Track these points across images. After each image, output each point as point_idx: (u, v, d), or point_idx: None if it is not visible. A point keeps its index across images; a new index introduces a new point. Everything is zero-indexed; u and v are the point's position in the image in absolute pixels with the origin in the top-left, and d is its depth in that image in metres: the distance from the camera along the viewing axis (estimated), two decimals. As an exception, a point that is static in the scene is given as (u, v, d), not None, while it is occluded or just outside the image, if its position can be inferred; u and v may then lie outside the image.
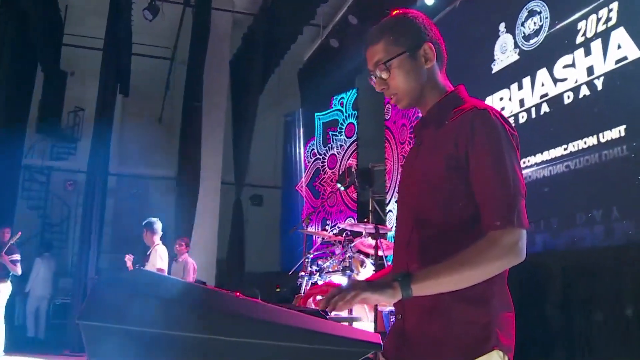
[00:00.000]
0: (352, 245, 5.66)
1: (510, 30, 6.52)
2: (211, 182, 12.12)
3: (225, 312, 1.23)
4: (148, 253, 6.93)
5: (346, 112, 10.56)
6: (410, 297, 1.50)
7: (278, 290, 9.40)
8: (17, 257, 7.78)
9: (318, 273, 5.66)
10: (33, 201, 14.87)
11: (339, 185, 6.97)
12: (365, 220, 8.11)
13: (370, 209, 9.55)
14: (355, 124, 10.34)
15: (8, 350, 8.06)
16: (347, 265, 5.35)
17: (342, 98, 10.68)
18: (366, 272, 5.61)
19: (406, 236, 1.73)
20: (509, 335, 1.60)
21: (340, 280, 5.36)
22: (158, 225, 7.01)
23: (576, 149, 5.26)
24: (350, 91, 10.50)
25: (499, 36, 6.71)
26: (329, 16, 10.69)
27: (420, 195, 1.72)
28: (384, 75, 1.75)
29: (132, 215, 14.87)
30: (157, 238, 6.97)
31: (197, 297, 1.29)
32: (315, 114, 11.39)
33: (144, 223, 7.01)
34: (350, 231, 5.97)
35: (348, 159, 10.32)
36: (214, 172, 12.30)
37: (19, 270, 7.82)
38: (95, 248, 9.92)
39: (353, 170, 9.75)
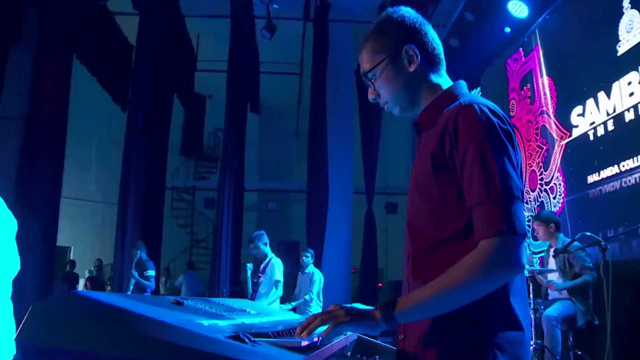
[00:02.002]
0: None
1: (636, 5, 5.86)
2: (342, 192, 12.18)
3: (143, 335, 1.25)
4: (263, 265, 7.01)
5: (471, 112, 10.11)
6: (397, 326, 1.41)
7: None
8: (150, 272, 8.20)
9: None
10: (181, 219, 15.90)
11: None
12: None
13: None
14: (481, 124, 9.85)
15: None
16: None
17: (466, 97, 10.24)
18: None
19: (406, 250, 1.60)
20: (515, 356, 1.38)
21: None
22: (266, 237, 7.08)
23: None
24: (474, 90, 10.05)
25: (623, 14, 6.05)
26: (448, 15, 10.34)
27: (413, 204, 1.58)
28: (372, 86, 1.67)
29: (273, 228, 15.43)
30: (269, 250, 7.04)
31: (119, 320, 1.31)
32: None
33: (252, 236, 7.11)
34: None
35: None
36: (344, 181, 12.36)
37: (152, 284, 8.25)
38: (229, 263, 10.30)
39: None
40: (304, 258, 8.16)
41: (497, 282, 1.34)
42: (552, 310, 5.19)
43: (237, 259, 10.83)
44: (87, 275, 12.49)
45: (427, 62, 1.63)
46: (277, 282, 6.78)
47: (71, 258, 13.47)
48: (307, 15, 11.76)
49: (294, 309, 7.77)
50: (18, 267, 2.61)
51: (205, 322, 1.50)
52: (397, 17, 1.64)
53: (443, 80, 1.66)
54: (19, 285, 8.83)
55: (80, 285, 12.55)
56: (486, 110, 1.43)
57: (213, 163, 16.16)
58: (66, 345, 1.30)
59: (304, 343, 1.36)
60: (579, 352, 5.15)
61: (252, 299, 6.82)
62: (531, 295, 5.06)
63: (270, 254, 7.02)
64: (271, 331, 1.59)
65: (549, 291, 5.71)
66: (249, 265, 7.05)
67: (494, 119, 1.42)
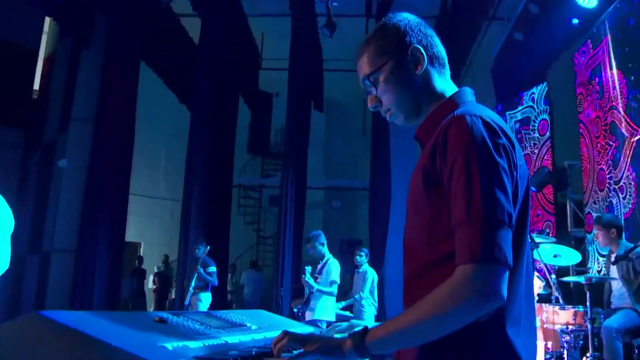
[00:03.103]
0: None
1: None
2: (405, 191, 11.94)
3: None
4: (320, 266, 6.98)
5: (538, 108, 9.72)
6: (368, 356, 1.31)
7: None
8: (212, 268, 8.34)
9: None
10: (248, 217, 16.15)
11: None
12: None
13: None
14: (548, 120, 9.46)
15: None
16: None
17: (533, 93, 9.85)
18: (535, 285, 5.00)
19: (403, 272, 1.51)
20: None
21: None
22: (323, 237, 7.03)
23: None
24: (541, 85, 9.65)
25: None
26: (512, 8, 9.97)
27: (408, 222, 1.49)
28: (373, 91, 1.56)
29: (337, 226, 15.43)
30: (326, 250, 7.00)
31: (75, 343, 1.32)
32: (507, 113, 10.68)
33: (309, 236, 7.08)
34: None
35: (543, 159, 9.47)
36: (407, 180, 12.12)
37: (215, 281, 8.39)
38: (291, 260, 10.35)
39: (547, 170, 9.01)
40: (357, 257, 8.10)
41: (469, 314, 1.22)
42: (613, 321, 4.88)
43: (298, 257, 10.86)
44: (155, 270, 12.90)
45: (432, 66, 1.53)
46: (332, 282, 6.75)
47: (141, 254, 13.94)
48: (370, 12, 11.63)
49: (346, 308, 7.78)
50: (7, 266, 2.65)
51: (172, 345, 1.46)
52: (401, 19, 1.55)
53: (448, 86, 1.55)
54: (87, 280, 9.26)
55: (150, 281, 12.98)
56: (478, 122, 1.31)
57: (279, 160, 16.26)
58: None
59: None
60: (645, 367, 4.84)
61: (308, 299, 6.83)
62: (588, 303, 4.77)
63: (328, 255, 6.98)
64: (242, 355, 1.54)
65: (612, 299, 5.39)
66: (308, 268, 7.05)
67: (486, 132, 1.29)
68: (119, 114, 10.29)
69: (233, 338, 1.77)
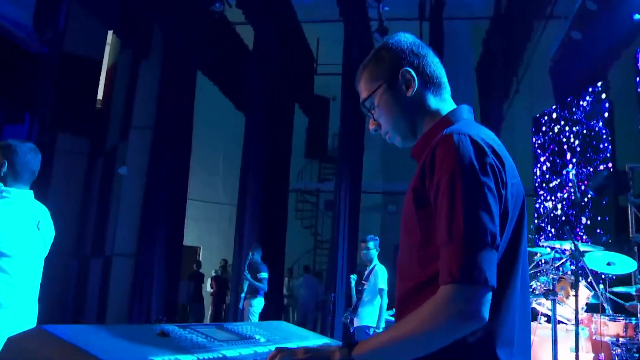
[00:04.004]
0: (558, 264, 4.95)
1: None
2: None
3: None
4: (367, 272, 6.93)
5: (598, 108, 9.38)
6: None
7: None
8: (263, 274, 8.38)
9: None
10: (306, 221, 16.24)
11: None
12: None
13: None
14: (608, 121, 9.11)
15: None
16: (551, 288, 4.67)
17: (592, 93, 9.51)
18: (582, 295, 4.85)
19: (396, 293, 1.52)
20: None
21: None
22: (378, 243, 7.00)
23: None
24: (600, 84, 9.30)
25: None
26: (569, 6, 9.68)
27: (401, 242, 1.48)
28: (371, 115, 1.61)
29: (392, 231, 15.26)
30: (376, 256, 6.95)
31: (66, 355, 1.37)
32: (565, 113, 10.36)
33: (367, 237, 7.04)
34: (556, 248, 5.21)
35: (602, 161, 9.13)
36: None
37: (265, 287, 8.39)
38: (344, 266, 10.34)
39: (605, 173, 8.70)
40: None
41: (448, 334, 1.23)
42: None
43: (353, 262, 10.83)
44: (212, 274, 13.14)
45: (426, 86, 1.54)
46: (381, 290, 6.70)
47: (200, 258, 14.25)
48: (423, 14, 11.54)
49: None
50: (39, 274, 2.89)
51: (162, 360, 1.50)
52: (393, 42, 1.57)
53: (445, 105, 1.55)
54: (147, 283, 9.54)
55: (207, 285, 13.23)
56: (465, 140, 1.30)
57: (336, 164, 16.36)
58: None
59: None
60: None
61: (356, 307, 6.81)
62: (639, 315, 4.58)
63: (375, 261, 6.95)
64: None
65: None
66: (353, 277, 7.04)
67: (473, 151, 1.28)
68: (176, 122, 10.58)
69: (233, 352, 1.78)
